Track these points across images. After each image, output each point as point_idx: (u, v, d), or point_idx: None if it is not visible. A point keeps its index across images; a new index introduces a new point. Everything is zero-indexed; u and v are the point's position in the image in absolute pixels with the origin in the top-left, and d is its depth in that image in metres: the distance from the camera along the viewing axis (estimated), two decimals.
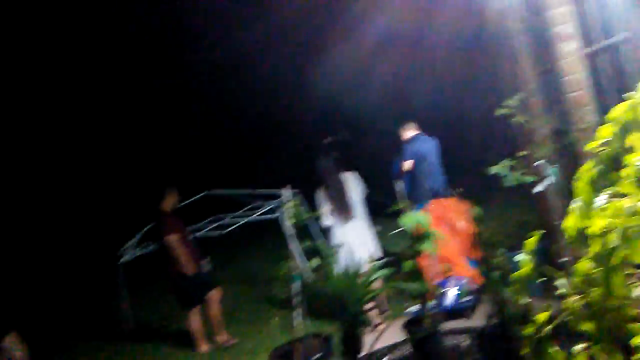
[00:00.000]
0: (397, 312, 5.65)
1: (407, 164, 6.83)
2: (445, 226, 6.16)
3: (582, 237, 1.20)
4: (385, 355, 2.91)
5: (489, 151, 4.37)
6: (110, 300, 8.84)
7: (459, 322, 4.85)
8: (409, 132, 7.00)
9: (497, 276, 2.55)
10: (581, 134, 3.97)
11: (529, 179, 4.06)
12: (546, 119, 4.68)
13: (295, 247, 4.06)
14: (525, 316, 2.34)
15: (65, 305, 10.13)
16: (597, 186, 1.17)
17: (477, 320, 4.64)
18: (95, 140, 15.31)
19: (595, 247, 1.15)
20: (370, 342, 2.50)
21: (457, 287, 5.29)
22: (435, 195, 6.56)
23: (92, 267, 10.66)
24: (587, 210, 1.18)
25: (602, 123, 1.18)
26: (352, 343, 2.35)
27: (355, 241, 5.43)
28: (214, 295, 6.19)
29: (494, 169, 4.00)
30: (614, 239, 1.10)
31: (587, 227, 1.17)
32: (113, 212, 13.20)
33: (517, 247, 4.92)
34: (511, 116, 4.01)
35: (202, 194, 8.22)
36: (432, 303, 4.70)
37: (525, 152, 4.27)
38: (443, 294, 5.18)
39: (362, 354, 2.36)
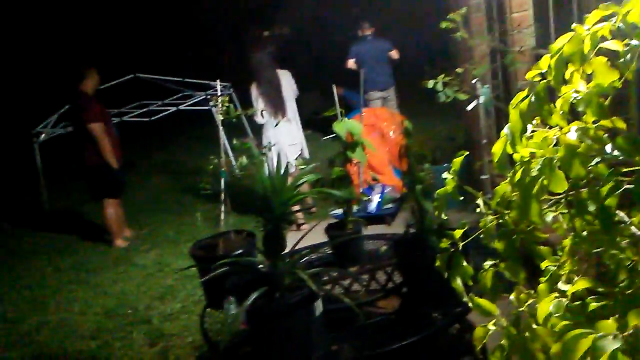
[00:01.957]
0: (322, 215, 5.82)
1: (349, 62, 7.46)
2: (376, 135, 6.26)
3: (508, 162, 1.24)
4: (306, 255, 3.00)
5: (428, 64, 4.35)
6: (25, 181, 8.50)
7: (379, 228, 5.08)
8: (364, 32, 7.50)
9: (420, 189, 2.63)
10: (518, 56, 4.02)
11: (462, 96, 4.11)
12: (486, 37, 4.69)
13: (224, 142, 4.00)
14: (441, 229, 2.46)
15: None
16: (529, 115, 1.19)
17: (397, 228, 4.87)
18: (12, 11, 13.91)
19: (517, 174, 1.18)
20: (293, 241, 2.56)
21: (381, 195, 5.48)
22: (381, 87, 7.37)
23: (6, 145, 10.09)
24: (516, 138, 1.20)
25: (541, 47, 1.18)
26: (275, 241, 2.39)
27: (286, 141, 5.42)
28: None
29: (430, 83, 4.01)
30: (536, 168, 1.14)
31: (513, 154, 1.20)
32: (29, 88, 12.33)
33: (442, 161, 5.13)
34: (453, 31, 3.97)
35: (129, 76, 7.81)
36: (355, 208, 4.87)
37: (462, 69, 4.29)
38: (367, 201, 5.36)
39: (284, 252, 2.41)
